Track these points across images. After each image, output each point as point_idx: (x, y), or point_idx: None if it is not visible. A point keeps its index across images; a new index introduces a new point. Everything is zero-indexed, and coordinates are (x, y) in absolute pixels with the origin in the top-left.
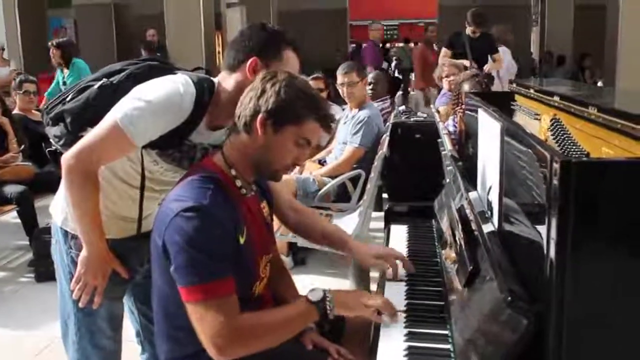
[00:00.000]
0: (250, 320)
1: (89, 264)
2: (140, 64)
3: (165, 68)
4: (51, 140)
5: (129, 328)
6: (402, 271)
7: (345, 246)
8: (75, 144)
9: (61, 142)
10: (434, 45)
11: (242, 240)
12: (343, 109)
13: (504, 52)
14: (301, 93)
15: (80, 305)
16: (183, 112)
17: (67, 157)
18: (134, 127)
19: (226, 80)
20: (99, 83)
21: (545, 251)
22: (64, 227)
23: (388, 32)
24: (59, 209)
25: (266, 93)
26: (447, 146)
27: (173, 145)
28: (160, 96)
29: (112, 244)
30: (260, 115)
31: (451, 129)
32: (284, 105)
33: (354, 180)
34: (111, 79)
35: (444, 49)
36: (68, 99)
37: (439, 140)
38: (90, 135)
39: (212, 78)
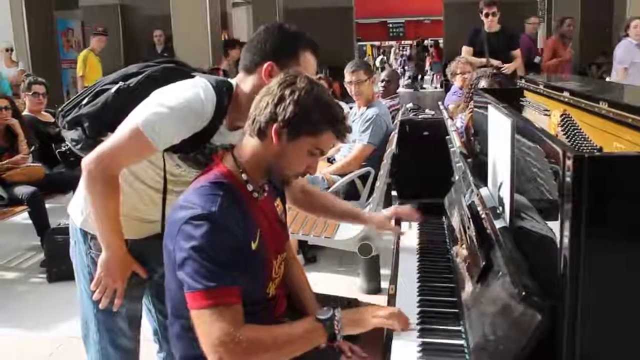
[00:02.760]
0: (254, 332)
1: (109, 266)
2: (156, 67)
3: (182, 70)
4: (68, 143)
5: (146, 326)
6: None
7: (359, 218)
8: (93, 147)
9: (79, 146)
10: (569, 40)
11: (254, 246)
12: (351, 107)
13: (622, 46)
14: (320, 103)
15: (101, 307)
16: (205, 118)
17: (87, 162)
18: (156, 133)
19: (244, 82)
20: (116, 86)
21: (558, 246)
22: (83, 227)
23: (394, 30)
24: (78, 210)
25: (284, 101)
26: (455, 143)
27: (195, 148)
28: (181, 102)
29: (131, 244)
30: (276, 124)
31: (459, 124)
32: (301, 115)
33: (363, 177)
34: (128, 82)
35: (465, 47)
36: (84, 102)
37: (448, 137)
38: (111, 140)
39: (229, 80)
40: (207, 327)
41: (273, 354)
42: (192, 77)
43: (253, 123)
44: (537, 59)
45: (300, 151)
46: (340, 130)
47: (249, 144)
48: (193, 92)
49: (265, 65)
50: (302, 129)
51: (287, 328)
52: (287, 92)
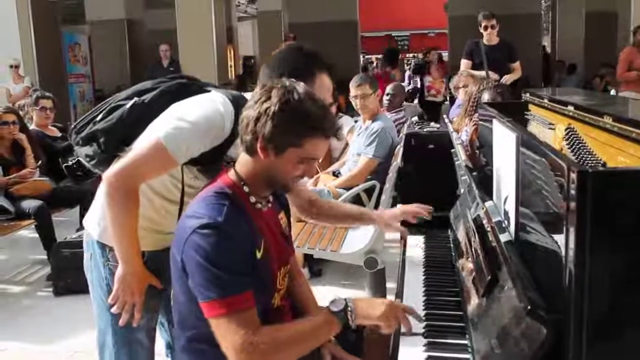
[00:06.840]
0: (272, 333)
1: (126, 281)
2: (170, 82)
3: (195, 85)
4: (82, 159)
5: (158, 340)
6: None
7: (368, 218)
8: (108, 163)
9: (94, 162)
10: None
11: (259, 255)
12: (356, 121)
13: None
14: (296, 114)
15: (121, 323)
16: (225, 131)
17: (109, 176)
18: (178, 147)
19: None
20: (131, 102)
21: (563, 260)
22: (101, 240)
23: (399, 43)
24: (95, 222)
25: (261, 118)
26: (461, 156)
27: (213, 160)
28: (202, 117)
29: (148, 256)
30: (259, 142)
31: (464, 137)
32: (280, 130)
33: (369, 191)
34: (142, 98)
35: (463, 60)
36: (98, 118)
37: (453, 150)
38: (133, 154)
39: (243, 94)
40: (228, 335)
41: (291, 351)
42: (206, 91)
43: (242, 141)
44: None
45: (290, 162)
46: (326, 131)
47: (243, 159)
48: (212, 107)
49: None
50: (285, 143)
51: (302, 324)
52: (262, 108)
